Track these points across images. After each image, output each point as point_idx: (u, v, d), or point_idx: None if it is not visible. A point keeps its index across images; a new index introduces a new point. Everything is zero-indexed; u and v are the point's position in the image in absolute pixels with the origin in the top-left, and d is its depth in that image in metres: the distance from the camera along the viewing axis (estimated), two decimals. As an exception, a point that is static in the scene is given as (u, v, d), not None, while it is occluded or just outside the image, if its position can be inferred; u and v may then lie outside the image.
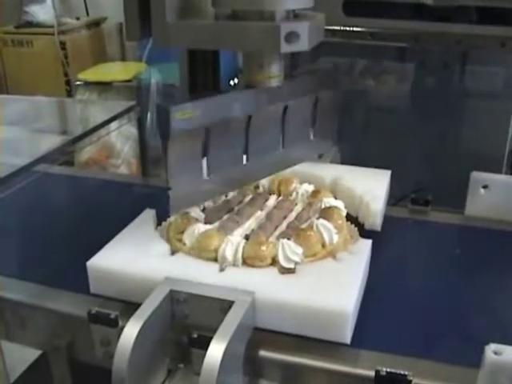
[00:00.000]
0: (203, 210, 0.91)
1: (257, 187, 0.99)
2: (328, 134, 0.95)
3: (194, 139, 0.77)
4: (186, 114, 0.74)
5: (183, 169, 0.78)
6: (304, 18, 0.73)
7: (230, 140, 0.82)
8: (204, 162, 0.80)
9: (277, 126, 0.88)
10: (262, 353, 0.69)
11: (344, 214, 0.88)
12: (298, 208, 0.92)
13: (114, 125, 1.45)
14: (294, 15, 0.74)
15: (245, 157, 0.85)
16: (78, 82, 2.55)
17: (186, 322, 0.71)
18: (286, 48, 0.69)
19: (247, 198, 0.96)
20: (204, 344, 0.63)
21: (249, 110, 0.82)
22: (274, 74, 0.78)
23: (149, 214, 0.90)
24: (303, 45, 0.70)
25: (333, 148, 0.98)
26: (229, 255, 0.76)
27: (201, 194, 0.83)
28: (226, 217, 0.89)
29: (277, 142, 0.89)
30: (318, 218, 0.84)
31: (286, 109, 0.87)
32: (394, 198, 1.06)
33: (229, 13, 0.74)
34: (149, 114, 2.23)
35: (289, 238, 0.79)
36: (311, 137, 0.93)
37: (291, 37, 0.69)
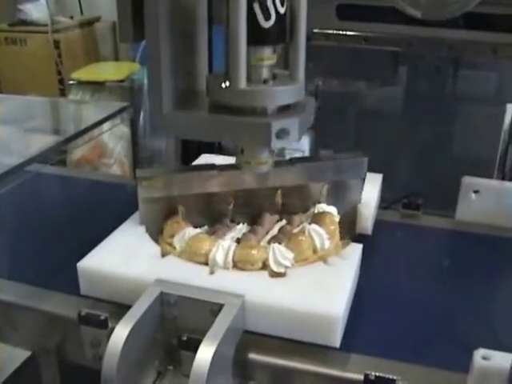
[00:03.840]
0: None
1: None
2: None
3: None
4: (155, 183, 0.79)
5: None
6: (294, 109, 0.74)
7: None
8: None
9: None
10: (252, 356, 0.69)
11: (337, 219, 0.88)
12: (291, 212, 0.92)
13: (106, 125, 1.45)
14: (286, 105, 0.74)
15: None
16: (71, 82, 2.54)
17: (175, 324, 0.71)
18: (276, 144, 0.71)
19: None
20: (193, 346, 0.63)
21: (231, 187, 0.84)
22: (263, 161, 0.77)
23: (140, 216, 0.90)
24: (293, 139, 0.72)
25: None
26: (219, 259, 0.76)
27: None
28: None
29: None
30: (310, 223, 0.84)
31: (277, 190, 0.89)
32: (386, 201, 1.06)
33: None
34: (141, 115, 2.23)
35: (280, 243, 0.79)
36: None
37: (282, 134, 0.71)
